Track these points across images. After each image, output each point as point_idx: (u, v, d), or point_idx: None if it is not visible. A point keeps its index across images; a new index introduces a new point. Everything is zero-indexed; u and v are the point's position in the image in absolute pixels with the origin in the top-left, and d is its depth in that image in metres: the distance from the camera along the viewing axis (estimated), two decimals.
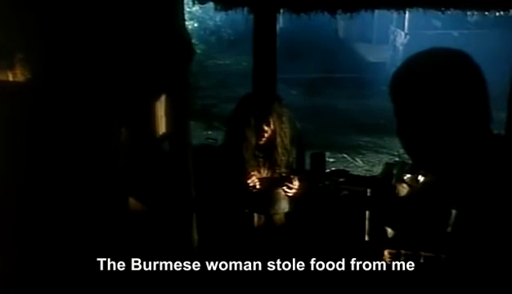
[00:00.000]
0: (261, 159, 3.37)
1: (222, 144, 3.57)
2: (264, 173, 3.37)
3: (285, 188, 3.36)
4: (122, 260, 2.41)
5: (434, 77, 1.41)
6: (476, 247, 1.37)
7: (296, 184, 3.35)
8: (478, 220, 1.37)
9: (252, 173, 3.30)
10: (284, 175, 3.38)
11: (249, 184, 3.27)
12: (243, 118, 3.29)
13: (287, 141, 3.37)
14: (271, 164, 3.38)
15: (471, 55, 1.44)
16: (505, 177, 1.37)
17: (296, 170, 3.66)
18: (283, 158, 3.37)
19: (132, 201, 2.57)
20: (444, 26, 12.47)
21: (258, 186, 3.29)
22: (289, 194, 3.38)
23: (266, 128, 3.28)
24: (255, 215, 3.41)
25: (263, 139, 3.31)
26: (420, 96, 1.41)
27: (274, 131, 3.31)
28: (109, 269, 2.34)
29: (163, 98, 2.65)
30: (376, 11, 4.28)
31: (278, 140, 3.32)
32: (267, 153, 3.37)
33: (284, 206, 3.45)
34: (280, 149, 3.34)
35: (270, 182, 3.37)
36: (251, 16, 4.13)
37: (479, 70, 1.43)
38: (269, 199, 3.41)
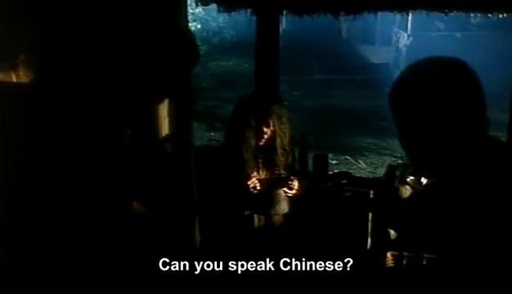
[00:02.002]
0: (260, 160, 3.37)
1: (221, 144, 3.57)
2: (264, 174, 3.37)
3: (285, 189, 3.36)
4: (123, 260, 2.41)
5: (432, 87, 1.42)
6: (478, 249, 1.37)
7: (296, 184, 3.35)
8: (480, 223, 1.37)
9: (252, 174, 3.30)
10: (284, 176, 3.39)
11: (249, 185, 3.27)
12: (243, 118, 3.29)
13: (286, 142, 3.37)
14: (271, 165, 3.38)
15: (467, 62, 1.45)
16: (505, 180, 1.37)
17: (298, 171, 3.66)
18: (282, 158, 3.38)
19: (134, 201, 2.57)
20: (447, 28, 12.43)
21: (258, 187, 3.29)
22: (289, 195, 3.38)
23: (265, 129, 3.28)
24: (255, 216, 3.40)
25: (263, 140, 3.31)
26: (419, 107, 1.43)
27: (274, 132, 3.30)
28: (111, 269, 2.34)
29: (166, 99, 2.65)
30: (379, 13, 4.28)
31: (278, 140, 3.33)
32: (267, 154, 3.37)
33: (284, 207, 3.45)
34: (279, 150, 3.35)
35: (270, 183, 3.37)
36: (254, 18, 4.13)
37: (476, 77, 1.44)
38: (269, 200, 3.41)
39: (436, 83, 1.42)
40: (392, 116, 1.50)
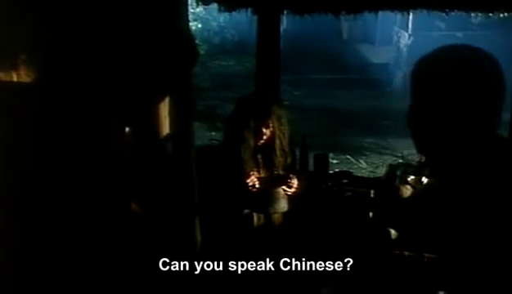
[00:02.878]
0: (260, 161, 3.38)
1: (221, 144, 3.57)
2: (262, 174, 3.38)
3: (284, 187, 3.36)
4: (123, 260, 2.41)
5: (461, 73, 1.40)
6: (480, 249, 1.37)
7: (295, 182, 3.35)
8: (483, 223, 1.37)
9: (251, 173, 3.30)
10: (282, 174, 3.39)
11: (247, 183, 3.27)
12: (242, 120, 3.29)
13: (285, 143, 3.37)
14: (270, 166, 3.38)
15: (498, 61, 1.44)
16: (508, 179, 1.37)
17: (299, 171, 3.67)
18: (281, 159, 3.38)
19: (134, 201, 2.57)
20: (448, 27, 12.44)
21: (256, 186, 3.29)
22: (289, 193, 3.39)
23: (264, 130, 3.28)
24: (255, 214, 3.40)
25: (262, 141, 3.31)
26: (442, 89, 1.41)
27: (273, 133, 3.31)
28: (110, 269, 2.34)
29: (166, 99, 2.65)
30: (380, 12, 4.28)
31: (277, 142, 3.33)
32: (266, 155, 3.37)
33: (283, 205, 3.45)
34: (278, 151, 3.35)
35: (269, 181, 3.38)
36: (255, 17, 4.13)
37: (503, 76, 1.43)
38: (268, 198, 3.41)
39: (466, 70, 1.41)
40: (411, 93, 1.48)
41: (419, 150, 1.54)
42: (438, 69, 1.43)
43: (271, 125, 3.28)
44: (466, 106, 1.39)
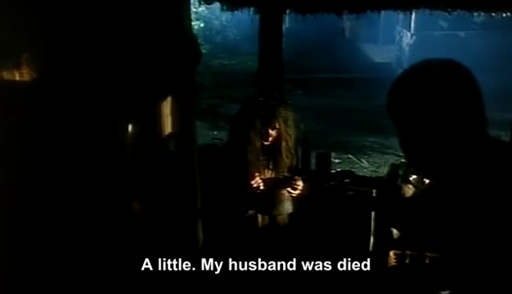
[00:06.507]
0: (265, 162, 3.36)
1: (225, 144, 3.55)
2: (268, 175, 3.36)
3: (288, 189, 3.35)
4: (125, 260, 2.42)
5: (426, 91, 1.42)
6: (481, 247, 1.37)
7: (300, 184, 3.34)
8: (483, 222, 1.37)
9: (256, 174, 3.29)
10: (287, 176, 3.38)
11: (252, 185, 3.26)
12: (248, 121, 3.27)
13: (292, 145, 3.35)
14: (275, 167, 3.37)
15: (461, 63, 1.45)
16: (506, 178, 1.37)
17: (301, 170, 3.66)
18: (287, 160, 3.36)
19: (137, 200, 2.58)
20: (450, 27, 12.42)
21: (261, 187, 3.28)
22: (293, 195, 3.38)
23: (271, 132, 3.27)
24: (259, 215, 3.40)
25: (268, 142, 3.30)
26: (414, 110, 1.43)
27: (279, 135, 3.29)
28: (113, 269, 2.35)
29: (169, 98, 2.65)
30: (382, 12, 4.28)
31: (283, 143, 3.31)
32: (271, 156, 3.36)
33: (287, 207, 3.44)
34: (284, 153, 3.33)
35: (273, 183, 3.36)
36: (257, 16, 4.13)
37: (470, 77, 1.44)
38: (273, 200, 3.40)
39: (430, 86, 1.43)
40: (391, 120, 1.50)
41: (417, 167, 1.56)
42: (413, 92, 1.45)
43: (277, 127, 3.27)
44: (449, 117, 1.41)
